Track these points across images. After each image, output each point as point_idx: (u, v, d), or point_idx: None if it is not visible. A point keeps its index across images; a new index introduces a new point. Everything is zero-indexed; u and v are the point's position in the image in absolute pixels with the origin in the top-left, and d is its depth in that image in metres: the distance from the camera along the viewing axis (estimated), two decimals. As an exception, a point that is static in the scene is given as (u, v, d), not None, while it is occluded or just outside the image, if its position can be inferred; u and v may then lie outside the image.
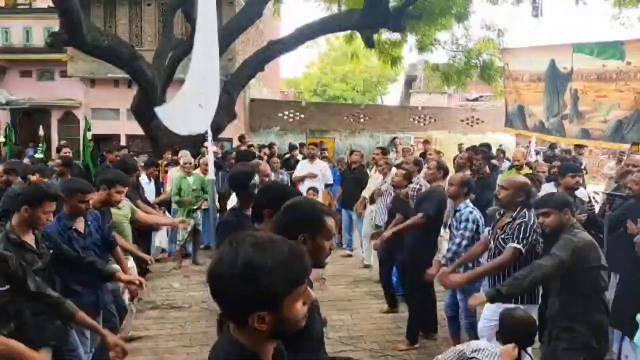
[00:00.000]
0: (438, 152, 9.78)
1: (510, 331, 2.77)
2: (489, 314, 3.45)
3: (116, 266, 3.72)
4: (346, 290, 6.36)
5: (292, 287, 1.20)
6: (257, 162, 4.90)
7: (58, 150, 9.08)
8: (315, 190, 6.44)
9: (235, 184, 3.58)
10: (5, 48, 16.54)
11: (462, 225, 4.11)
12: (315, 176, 7.91)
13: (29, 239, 2.94)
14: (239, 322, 1.23)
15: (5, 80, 16.95)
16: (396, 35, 13.27)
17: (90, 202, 3.50)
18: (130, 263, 4.43)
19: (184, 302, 5.90)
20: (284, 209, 1.88)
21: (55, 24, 9.62)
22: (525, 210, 3.50)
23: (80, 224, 3.51)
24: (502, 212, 3.71)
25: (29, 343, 2.46)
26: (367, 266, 7.30)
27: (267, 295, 1.16)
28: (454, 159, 8.90)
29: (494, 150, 9.28)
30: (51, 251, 3.08)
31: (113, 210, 4.19)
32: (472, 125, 18.11)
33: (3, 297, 2.41)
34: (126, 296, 4.34)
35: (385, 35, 13.42)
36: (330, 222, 1.82)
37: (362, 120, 17.82)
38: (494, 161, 7.75)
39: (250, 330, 1.21)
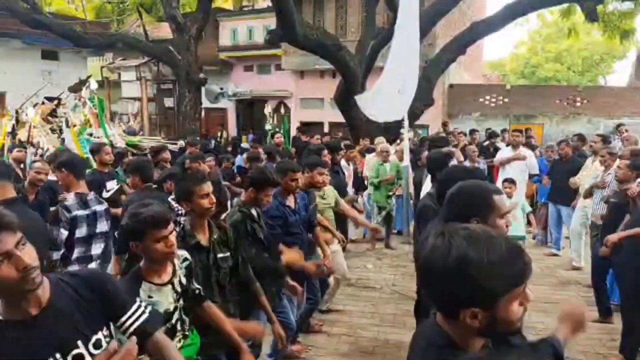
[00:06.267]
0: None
1: None
2: None
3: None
4: (549, 292, 5.79)
5: (510, 287, 1.10)
6: (449, 149, 4.77)
7: (272, 136, 10.20)
8: (512, 182, 5.84)
9: (433, 166, 3.56)
10: (233, 46, 19.10)
11: None
12: (523, 158, 7.24)
13: (254, 213, 3.37)
14: (448, 315, 1.19)
15: (232, 75, 19.62)
16: (627, 5, 11.37)
17: (300, 181, 3.87)
18: (335, 246, 4.73)
19: (376, 282, 6.10)
20: (449, 196, 1.80)
21: (273, 22, 10.73)
22: None
23: (291, 202, 3.89)
24: None
25: (250, 302, 2.97)
26: (576, 268, 6.53)
27: (482, 293, 1.09)
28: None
29: None
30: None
31: (319, 199, 4.56)
32: None
33: (225, 262, 2.82)
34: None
35: (612, 5, 11.62)
36: (500, 199, 1.74)
37: (578, 104, 15.80)
38: None
39: (460, 324, 1.15)
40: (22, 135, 8.97)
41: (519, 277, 1.11)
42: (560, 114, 15.81)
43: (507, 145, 8.18)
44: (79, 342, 1.50)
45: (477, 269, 1.07)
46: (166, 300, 2.20)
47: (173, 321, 2.25)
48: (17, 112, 9.81)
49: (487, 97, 16.40)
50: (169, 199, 3.93)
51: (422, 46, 8.98)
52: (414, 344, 1.35)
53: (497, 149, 8.69)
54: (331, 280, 4.77)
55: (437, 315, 1.24)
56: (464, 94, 16.56)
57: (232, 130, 19.12)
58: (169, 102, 19.81)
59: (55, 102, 10.45)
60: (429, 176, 4.33)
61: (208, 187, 2.71)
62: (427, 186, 4.31)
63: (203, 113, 17.09)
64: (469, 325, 1.13)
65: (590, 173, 6.20)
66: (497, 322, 1.12)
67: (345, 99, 10.67)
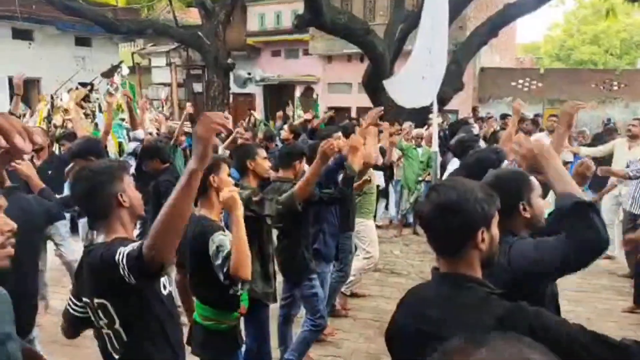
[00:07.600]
0: None
1: None
2: None
3: None
4: (580, 281, 5.66)
5: (496, 209, 1.36)
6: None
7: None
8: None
9: (458, 150, 3.54)
10: (261, 32, 19.09)
11: None
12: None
13: None
14: (456, 253, 1.35)
15: (259, 60, 19.65)
16: (670, -17, 10.87)
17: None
18: (369, 222, 4.83)
19: (402, 268, 6.10)
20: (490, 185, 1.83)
21: (301, 7, 10.67)
22: None
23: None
24: None
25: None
26: (609, 257, 6.37)
27: (485, 210, 1.32)
28: None
29: None
30: None
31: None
32: None
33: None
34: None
35: (655, -16, 11.11)
36: (534, 180, 1.84)
37: (615, 88, 15.29)
38: None
39: (467, 257, 1.34)
40: (57, 120, 9.22)
41: (498, 206, 1.38)
42: (597, 98, 15.33)
43: (541, 131, 7.98)
44: None
45: (476, 193, 1.33)
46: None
47: None
48: (52, 97, 10.09)
49: (520, 81, 16.01)
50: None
51: (452, 29, 8.77)
52: (421, 302, 1.49)
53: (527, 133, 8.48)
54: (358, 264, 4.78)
55: (438, 271, 1.41)
56: (496, 77, 16.19)
57: (260, 115, 19.21)
58: (198, 87, 20.01)
59: (89, 87, 10.70)
60: (453, 160, 4.28)
61: (265, 154, 3.09)
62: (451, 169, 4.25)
63: (231, 98, 17.22)
64: (478, 251, 1.32)
65: (624, 157, 5.97)
66: (492, 246, 1.35)
67: (373, 83, 10.57)
